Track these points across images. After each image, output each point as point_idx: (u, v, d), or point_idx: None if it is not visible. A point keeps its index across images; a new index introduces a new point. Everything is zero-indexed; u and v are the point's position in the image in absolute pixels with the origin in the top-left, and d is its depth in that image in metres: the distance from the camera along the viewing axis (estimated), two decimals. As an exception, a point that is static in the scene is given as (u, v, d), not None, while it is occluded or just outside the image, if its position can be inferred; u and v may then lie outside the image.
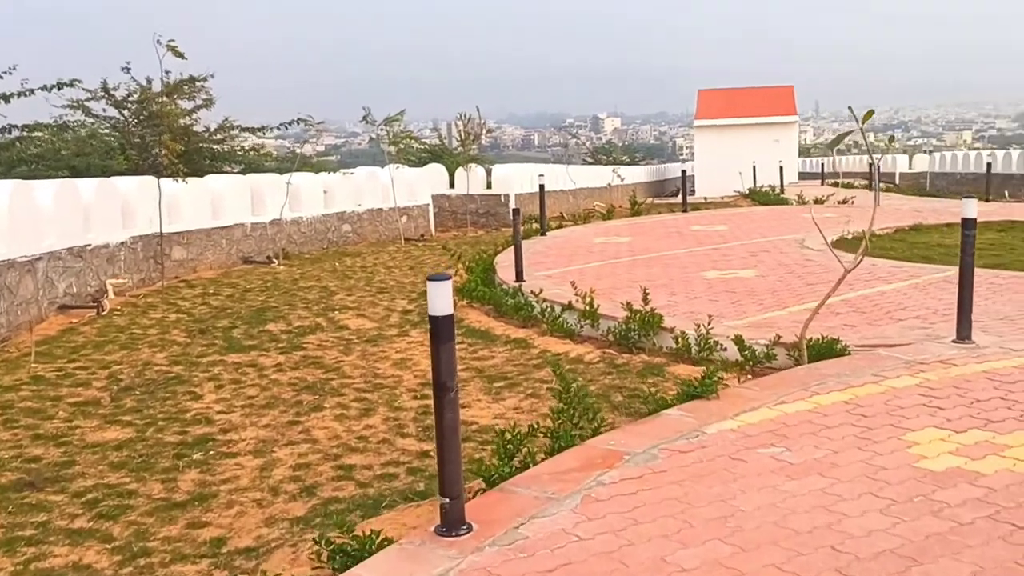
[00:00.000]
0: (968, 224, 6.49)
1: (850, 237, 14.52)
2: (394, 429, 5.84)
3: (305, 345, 8.38)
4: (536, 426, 4.77)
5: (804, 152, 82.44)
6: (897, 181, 38.93)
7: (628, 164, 42.00)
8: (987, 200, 20.27)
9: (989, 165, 21.17)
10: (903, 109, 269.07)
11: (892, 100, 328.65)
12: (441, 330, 3.58)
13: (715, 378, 5.48)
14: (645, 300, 7.64)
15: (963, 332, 6.48)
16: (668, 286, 9.94)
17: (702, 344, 7.15)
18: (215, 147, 19.63)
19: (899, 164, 40.39)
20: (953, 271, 10.60)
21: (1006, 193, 23.61)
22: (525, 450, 4.51)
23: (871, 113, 6.21)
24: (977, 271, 9.08)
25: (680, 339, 7.36)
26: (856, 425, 4.82)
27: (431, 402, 4.68)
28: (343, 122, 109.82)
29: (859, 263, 6.42)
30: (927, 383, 5.54)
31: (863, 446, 4.51)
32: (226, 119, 19.42)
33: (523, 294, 9.46)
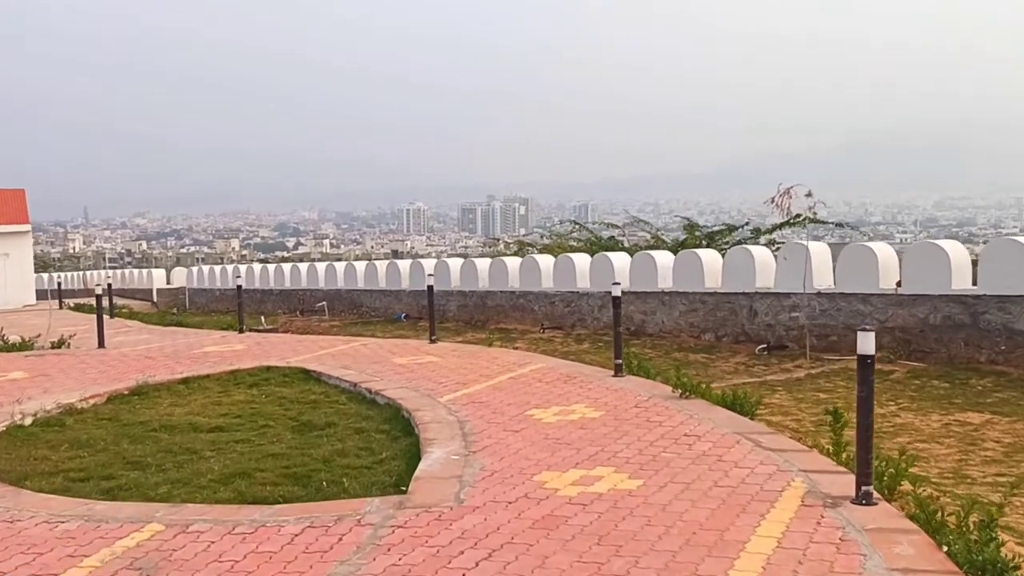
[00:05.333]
0: None
1: (29, 423, 9.14)
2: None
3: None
4: None
5: (61, 265, 74.15)
6: (155, 298, 34.66)
7: None
8: (241, 331, 16.70)
9: (239, 287, 17.55)
10: (175, 218, 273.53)
11: (165, 208, 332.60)
12: None
13: None
14: None
15: None
16: None
17: None
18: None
19: (156, 279, 36.22)
20: (188, 510, 5.96)
21: (262, 319, 20.64)
22: None
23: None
24: (208, 516, 4.69)
25: None
26: None
27: None
28: None
29: None
30: None
31: None
32: None
33: None
